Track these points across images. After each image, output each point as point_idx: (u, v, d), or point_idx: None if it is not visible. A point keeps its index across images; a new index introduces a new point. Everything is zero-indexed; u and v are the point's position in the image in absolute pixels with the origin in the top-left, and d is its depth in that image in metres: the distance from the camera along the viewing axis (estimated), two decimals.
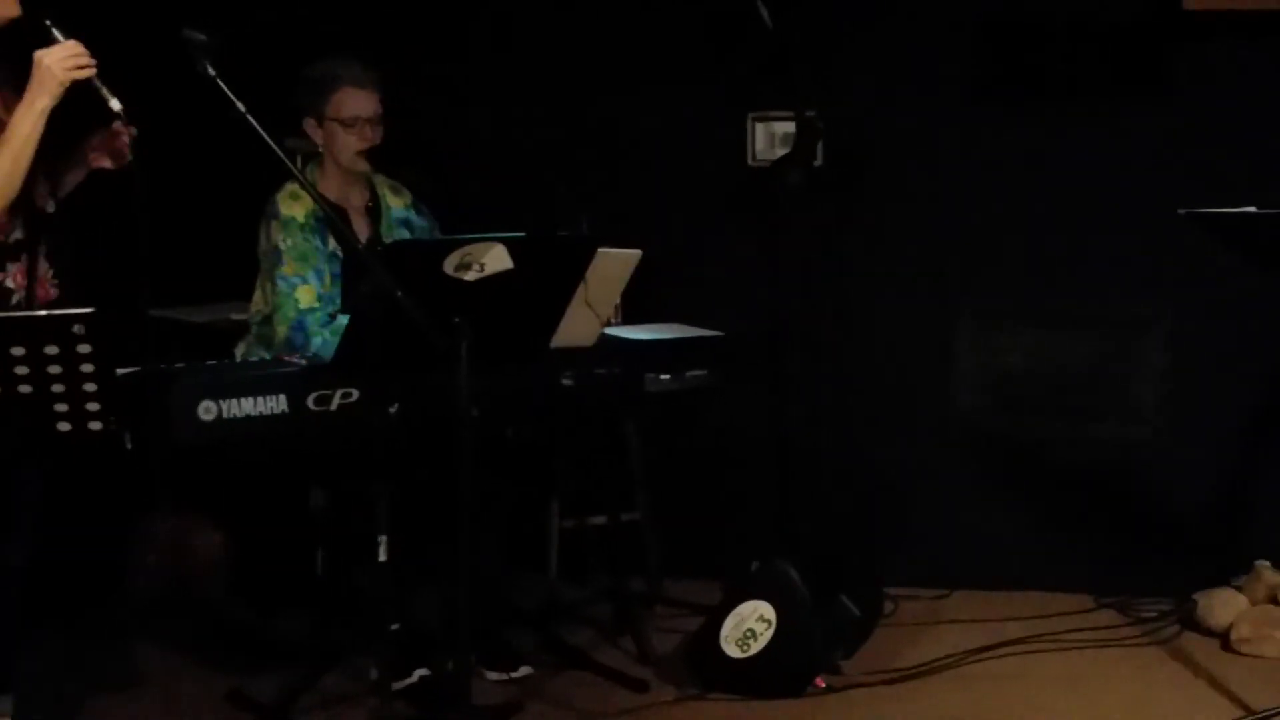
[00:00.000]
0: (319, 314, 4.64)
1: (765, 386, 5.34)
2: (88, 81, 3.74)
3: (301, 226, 4.71)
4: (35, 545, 4.01)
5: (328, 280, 4.72)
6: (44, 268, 3.90)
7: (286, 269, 4.68)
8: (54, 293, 3.92)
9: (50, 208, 3.93)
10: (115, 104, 3.78)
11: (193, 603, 5.34)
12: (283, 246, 4.69)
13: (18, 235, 3.82)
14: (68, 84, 3.70)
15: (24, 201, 3.80)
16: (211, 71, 3.68)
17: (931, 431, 5.89)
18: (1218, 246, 4.53)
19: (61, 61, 3.69)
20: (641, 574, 5.68)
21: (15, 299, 3.80)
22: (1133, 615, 5.52)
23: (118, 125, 3.88)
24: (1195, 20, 5.37)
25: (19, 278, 3.81)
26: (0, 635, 4.00)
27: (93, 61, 3.74)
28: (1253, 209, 4.23)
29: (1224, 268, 4.73)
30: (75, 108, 3.84)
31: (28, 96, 3.70)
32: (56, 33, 3.74)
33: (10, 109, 3.78)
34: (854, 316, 5.84)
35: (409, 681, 4.69)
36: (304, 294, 4.66)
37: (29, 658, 4.16)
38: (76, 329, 3.06)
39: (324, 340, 4.59)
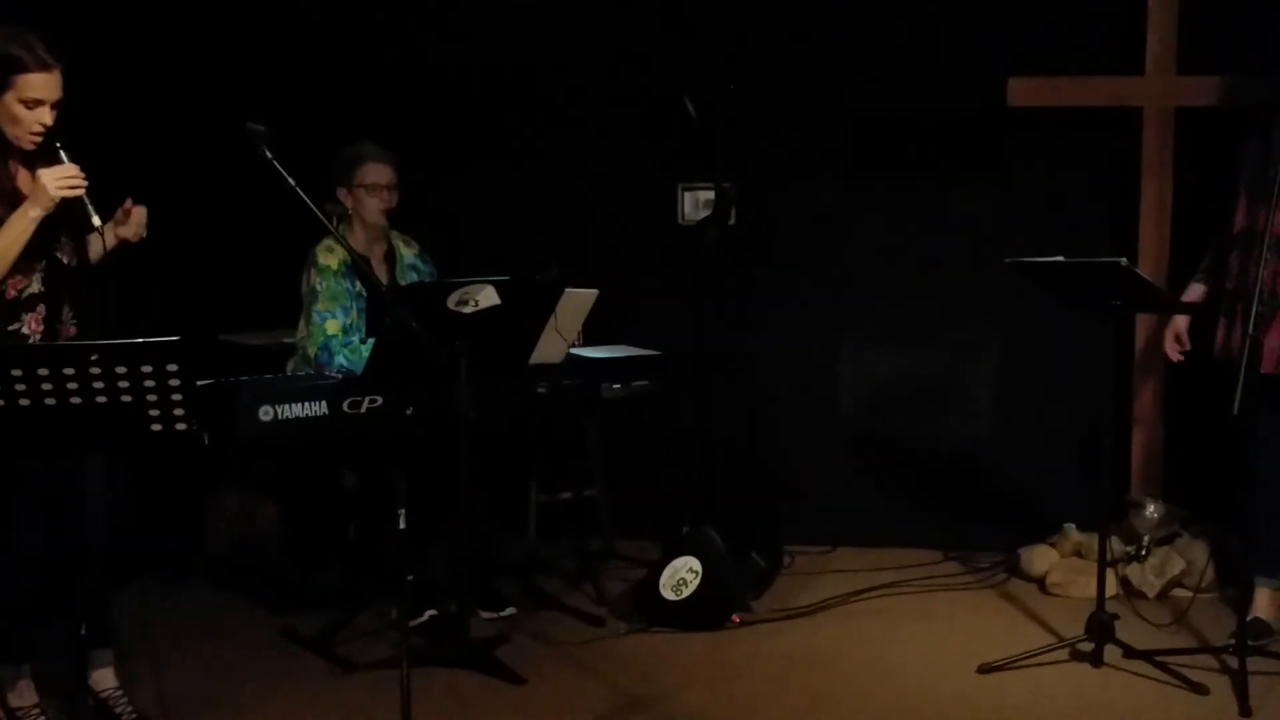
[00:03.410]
0: (341, 339, 4.63)
1: (692, 393, 5.34)
2: (78, 198, 3.54)
3: (335, 273, 4.69)
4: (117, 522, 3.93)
5: (354, 314, 4.71)
6: (66, 312, 3.69)
7: (320, 305, 4.66)
8: (72, 331, 3.69)
9: (74, 263, 3.72)
10: (96, 220, 3.56)
11: (253, 560, 5.31)
12: (319, 288, 4.68)
13: (33, 289, 3.62)
14: (58, 199, 3.51)
15: (45, 262, 3.63)
16: (269, 155, 3.62)
17: (819, 427, 5.88)
18: (1034, 288, 4.57)
19: (56, 181, 3.50)
20: (599, 536, 5.66)
21: (31, 341, 3.59)
22: (971, 566, 5.54)
23: (128, 205, 3.73)
24: (1018, 114, 5.39)
25: (33, 324, 3.62)
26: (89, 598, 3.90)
27: (84, 183, 3.53)
28: (1060, 259, 4.27)
29: (1038, 304, 4.75)
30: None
31: (25, 205, 3.52)
32: (63, 154, 3.56)
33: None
34: (760, 340, 5.82)
35: (421, 620, 4.68)
36: (331, 325, 4.65)
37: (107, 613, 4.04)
38: (166, 354, 3.04)
39: (345, 358, 4.59)
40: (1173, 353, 4.77)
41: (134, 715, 3.92)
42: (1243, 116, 4.67)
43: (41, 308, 3.66)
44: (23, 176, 3.65)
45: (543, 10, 5.52)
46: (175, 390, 3.02)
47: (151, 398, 3.02)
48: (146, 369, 3.00)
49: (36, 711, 3.85)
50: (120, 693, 3.96)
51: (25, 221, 3.53)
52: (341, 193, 4.81)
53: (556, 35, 5.80)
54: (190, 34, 5.65)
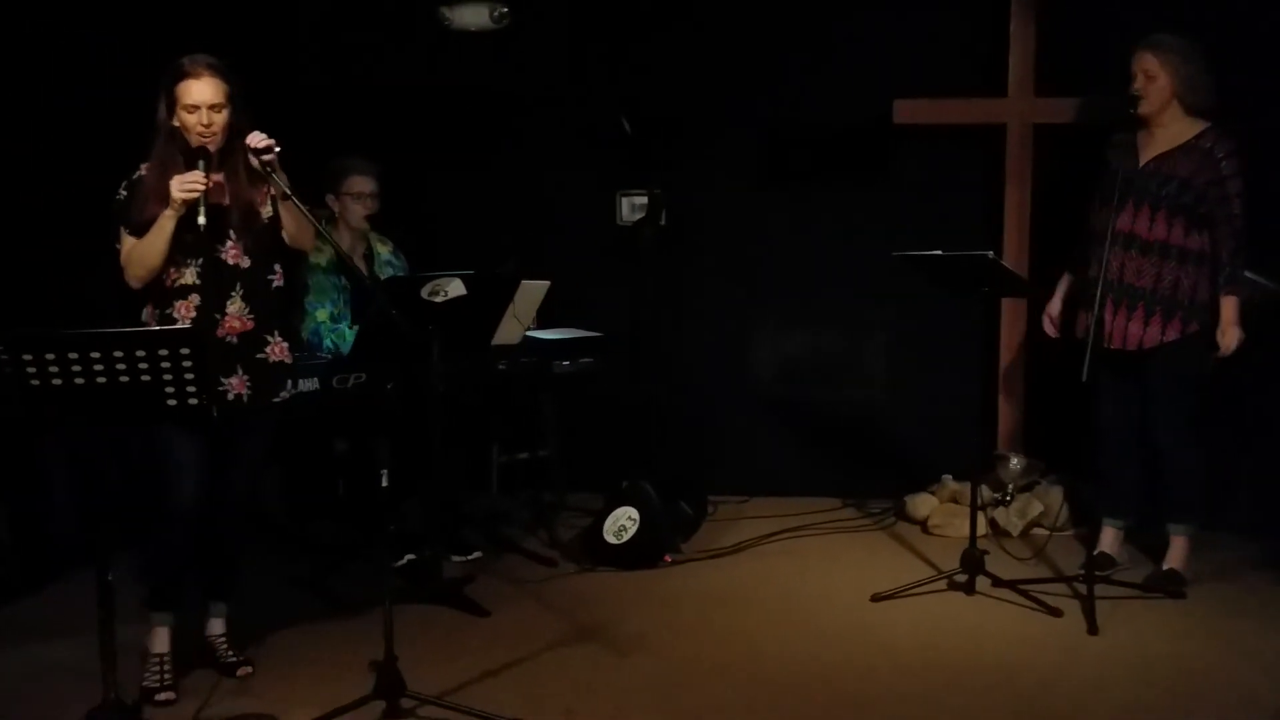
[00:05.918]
0: (328, 325, 4.61)
1: (630, 368, 5.34)
2: (195, 201, 3.45)
3: (323, 269, 4.66)
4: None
5: (340, 305, 4.67)
6: (242, 306, 3.61)
7: (311, 296, 4.63)
8: (244, 325, 3.62)
9: (245, 264, 3.62)
10: (201, 220, 3.45)
11: (257, 514, 5.26)
12: (310, 282, 4.64)
13: (185, 281, 3.57)
14: (179, 201, 3.46)
15: (202, 259, 3.56)
16: (269, 168, 3.57)
17: (738, 395, 5.90)
18: (919, 276, 4.61)
19: (178, 185, 3.46)
20: (551, 490, 5.64)
21: (179, 325, 3.52)
22: (865, 511, 5.57)
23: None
24: (902, 130, 5.43)
25: (183, 310, 3.57)
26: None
27: (201, 187, 3.43)
28: (939, 252, 4.32)
29: (921, 290, 4.79)
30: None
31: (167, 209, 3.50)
32: (201, 163, 3.50)
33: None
34: (687, 322, 5.83)
35: (401, 563, 4.67)
36: (320, 313, 4.62)
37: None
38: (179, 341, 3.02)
39: (331, 340, 4.57)
40: (1050, 330, 4.79)
41: (233, 657, 3.84)
42: (1095, 133, 4.69)
43: (195, 297, 3.58)
44: None
45: (503, 42, 5.49)
46: (188, 371, 3.02)
47: (168, 377, 3.02)
48: (163, 353, 2.99)
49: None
50: (224, 640, 3.87)
51: (162, 220, 3.51)
52: (330, 199, 4.76)
53: (514, 62, 5.74)
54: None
